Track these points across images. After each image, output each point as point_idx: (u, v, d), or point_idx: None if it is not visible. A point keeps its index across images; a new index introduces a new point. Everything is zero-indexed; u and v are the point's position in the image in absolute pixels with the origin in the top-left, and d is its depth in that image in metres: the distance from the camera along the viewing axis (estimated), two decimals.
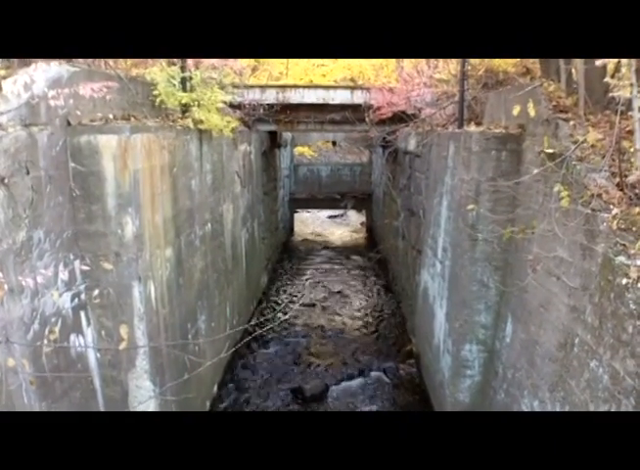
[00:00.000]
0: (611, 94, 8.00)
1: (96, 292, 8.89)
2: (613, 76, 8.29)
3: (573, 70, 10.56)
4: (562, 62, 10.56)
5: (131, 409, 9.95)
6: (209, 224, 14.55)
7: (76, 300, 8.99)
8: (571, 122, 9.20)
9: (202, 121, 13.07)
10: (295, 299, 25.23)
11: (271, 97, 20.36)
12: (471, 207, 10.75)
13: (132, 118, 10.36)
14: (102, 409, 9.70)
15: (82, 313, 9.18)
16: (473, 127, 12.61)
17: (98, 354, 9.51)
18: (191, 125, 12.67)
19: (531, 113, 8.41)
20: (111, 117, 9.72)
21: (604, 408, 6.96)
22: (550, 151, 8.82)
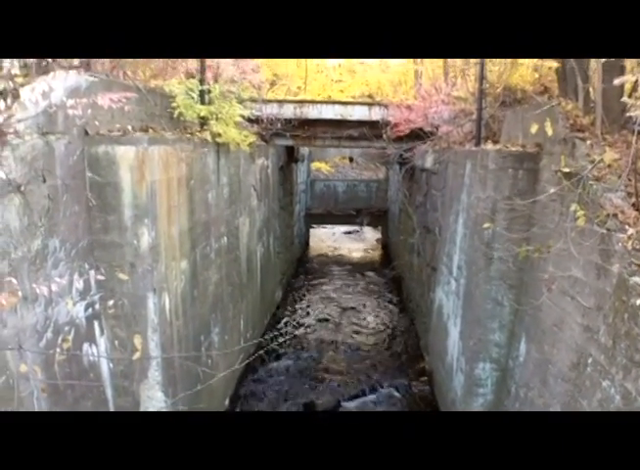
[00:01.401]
0: (628, 114, 7.97)
1: (110, 302, 8.94)
2: (630, 96, 8.26)
3: (591, 89, 10.55)
4: (580, 80, 10.55)
5: None
6: (225, 237, 14.58)
7: (90, 309, 9.02)
8: (589, 142, 9.17)
9: (219, 135, 13.11)
10: (308, 313, 25.20)
11: (289, 112, 20.39)
12: (487, 225, 10.71)
13: (150, 130, 10.40)
14: None
15: (96, 323, 9.20)
16: (490, 145, 12.62)
17: (110, 364, 9.52)
18: (209, 138, 12.72)
19: (549, 131, 8.39)
20: (129, 128, 9.77)
21: None
22: (567, 170, 8.80)
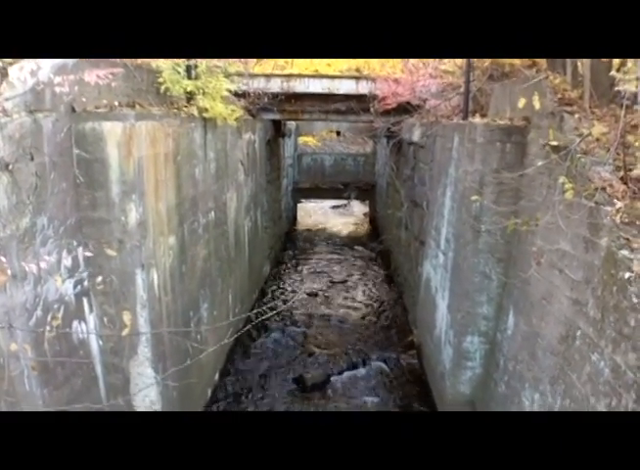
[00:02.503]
0: (616, 88, 7.97)
1: (99, 279, 8.93)
2: (618, 70, 8.27)
3: (579, 64, 10.54)
4: None
5: (132, 396, 10.00)
6: (213, 212, 14.58)
7: (79, 286, 9.01)
8: (577, 115, 9.18)
9: (206, 110, 13.07)
10: (297, 288, 25.28)
11: (276, 86, 20.34)
12: (474, 198, 10.72)
13: (137, 106, 10.33)
14: (103, 396, 9.73)
15: (85, 300, 9.20)
16: (478, 119, 12.61)
17: (100, 342, 9.54)
18: (195, 113, 12.66)
19: (537, 105, 8.35)
20: (115, 104, 9.70)
21: (604, 402, 6.97)
22: (555, 143, 8.79)
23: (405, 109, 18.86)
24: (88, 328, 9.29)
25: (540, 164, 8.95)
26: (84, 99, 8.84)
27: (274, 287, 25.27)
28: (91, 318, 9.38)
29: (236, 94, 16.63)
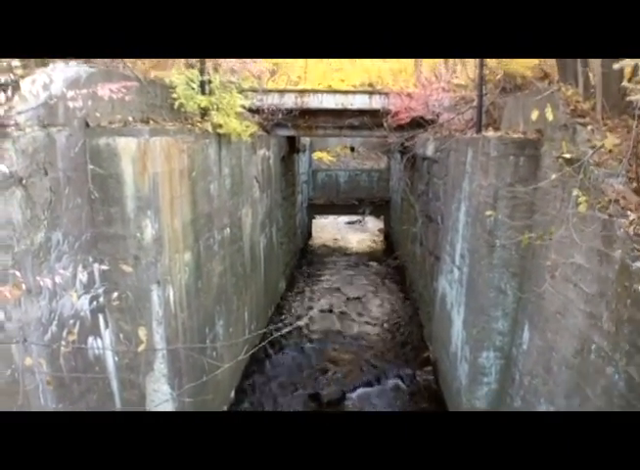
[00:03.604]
0: (628, 98, 7.97)
1: (115, 295, 8.98)
2: (630, 80, 8.26)
3: (591, 75, 10.54)
4: (579, 65, 10.55)
5: None
6: (228, 229, 14.63)
7: (95, 302, 9.09)
8: (589, 127, 9.18)
9: (220, 125, 13.14)
10: (312, 304, 25.23)
11: (290, 102, 20.40)
12: (489, 213, 10.73)
13: (151, 121, 10.46)
14: None
15: (100, 316, 9.27)
16: (491, 132, 12.62)
17: (116, 357, 9.60)
18: (210, 129, 12.74)
19: (549, 117, 8.38)
20: (130, 119, 9.83)
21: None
22: (568, 156, 8.81)
23: (419, 123, 18.85)
24: (104, 344, 9.35)
25: (554, 176, 8.93)
26: (98, 114, 8.96)
27: (289, 303, 25.21)
28: (107, 334, 9.44)
29: (250, 110, 16.72)
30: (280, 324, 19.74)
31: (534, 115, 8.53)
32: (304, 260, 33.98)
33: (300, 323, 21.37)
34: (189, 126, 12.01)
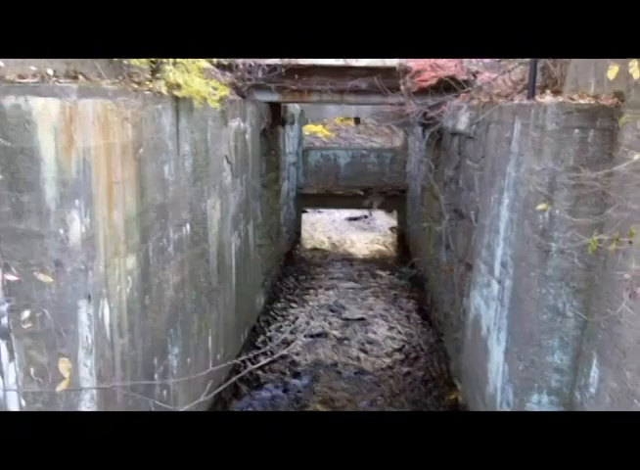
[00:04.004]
0: None
1: (26, 314, 8.57)
2: None
3: None
4: None
5: None
6: (188, 226, 14.44)
7: None
8: None
9: (178, 86, 12.83)
10: (301, 327, 25.18)
11: None
12: (542, 206, 10.46)
13: (80, 77, 10.10)
14: None
15: (3, 344, 8.88)
16: (549, 97, 12.34)
17: (23, 401, 9.19)
18: (164, 91, 12.39)
19: (635, 74, 8.10)
20: (49, 72, 9.37)
21: None
22: None
23: (448, 86, 18.69)
24: (6, 383, 8.96)
25: (637, 157, 8.65)
26: (1, 63, 8.58)
27: (270, 325, 25.26)
28: (11, 369, 9.03)
29: (219, 66, 16.51)
30: (256, 353, 19.68)
31: (612, 72, 8.25)
32: (291, 269, 34.10)
33: (284, 352, 21.27)
34: (134, 86, 11.65)
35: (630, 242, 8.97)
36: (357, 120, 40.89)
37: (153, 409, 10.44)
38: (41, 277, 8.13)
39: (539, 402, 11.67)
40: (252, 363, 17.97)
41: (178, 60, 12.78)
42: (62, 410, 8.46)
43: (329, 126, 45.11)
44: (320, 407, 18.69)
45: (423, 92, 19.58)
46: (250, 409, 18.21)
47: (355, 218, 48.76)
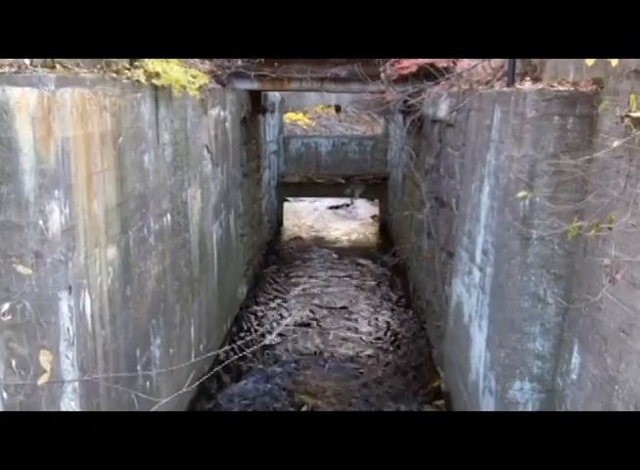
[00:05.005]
0: None
1: (5, 306, 8.49)
2: None
3: None
4: None
5: None
6: (169, 216, 14.41)
7: None
8: None
9: (157, 74, 12.79)
10: (283, 315, 25.19)
11: None
12: (522, 194, 10.40)
13: (58, 66, 10.05)
14: None
15: None
16: (528, 84, 12.38)
17: (4, 394, 9.19)
18: (142, 79, 12.36)
19: (613, 61, 8.12)
20: (26, 61, 9.31)
21: None
22: (638, 114, 8.54)
23: (428, 73, 18.62)
24: None
25: (617, 144, 8.66)
26: None
27: (253, 315, 25.24)
28: None
29: None
30: (239, 343, 19.67)
31: (591, 59, 8.27)
32: (273, 258, 34.13)
33: (267, 342, 21.24)
34: (113, 75, 11.61)
35: (610, 228, 8.99)
36: (338, 108, 40.87)
37: (135, 401, 10.45)
38: (21, 269, 8.07)
39: (521, 389, 11.69)
40: (236, 353, 17.99)
41: None
42: (45, 410, 8.54)
43: (310, 114, 45.11)
44: (305, 398, 18.67)
45: (403, 79, 19.58)
46: (233, 400, 18.19)
47: (337, 207, 48.72)
